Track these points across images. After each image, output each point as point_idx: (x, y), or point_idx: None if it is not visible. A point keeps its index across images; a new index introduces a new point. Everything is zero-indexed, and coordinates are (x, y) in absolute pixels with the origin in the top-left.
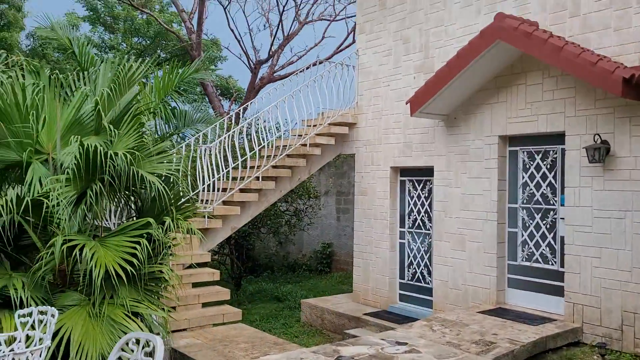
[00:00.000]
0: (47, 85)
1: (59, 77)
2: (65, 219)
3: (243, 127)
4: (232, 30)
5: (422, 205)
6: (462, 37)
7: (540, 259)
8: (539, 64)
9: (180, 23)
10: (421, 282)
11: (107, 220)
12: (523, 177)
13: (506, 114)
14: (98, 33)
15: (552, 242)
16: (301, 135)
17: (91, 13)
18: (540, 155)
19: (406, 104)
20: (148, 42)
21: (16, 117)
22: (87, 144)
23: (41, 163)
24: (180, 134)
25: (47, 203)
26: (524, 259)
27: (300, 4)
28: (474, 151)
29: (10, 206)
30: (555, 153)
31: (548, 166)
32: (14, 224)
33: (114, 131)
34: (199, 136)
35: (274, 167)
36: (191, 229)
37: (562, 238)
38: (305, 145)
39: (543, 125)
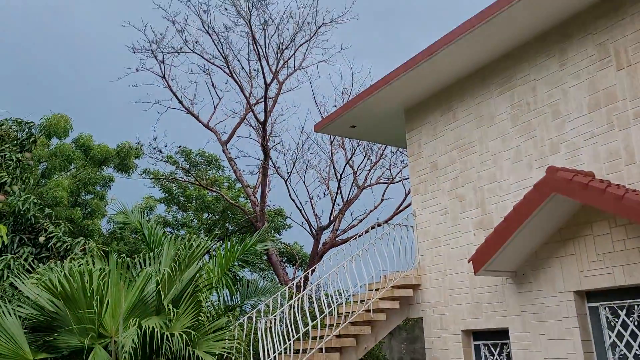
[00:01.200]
0: (113, 269)
1: (125, 260)
2: None
3: (304, 295)
4: (293, 200)
5: None
6: (517, 192)
7: None
8: (603, 213)
9: (246, 197)
10: None
11: None
12: (610, 337)
13: (577, 267)
14: (172, 212)
15: None
16: (364, 301)
17: (166, 195)
18: (625, 310)
19: (468, 262)
20: (217, 217)
21: (82, 302)
22: (145, 326)
23: (103, 347)
24: (244, 305)
25: None
26: None
27: (357, 171)
28: (549, 309)
29: None
30: None
31: (636, 322)
32: None
33: (173, 310)
34: (261, 307)
35: (338, 336)
36: None
37: None
38: (369, 311)
39: (620, 278)
